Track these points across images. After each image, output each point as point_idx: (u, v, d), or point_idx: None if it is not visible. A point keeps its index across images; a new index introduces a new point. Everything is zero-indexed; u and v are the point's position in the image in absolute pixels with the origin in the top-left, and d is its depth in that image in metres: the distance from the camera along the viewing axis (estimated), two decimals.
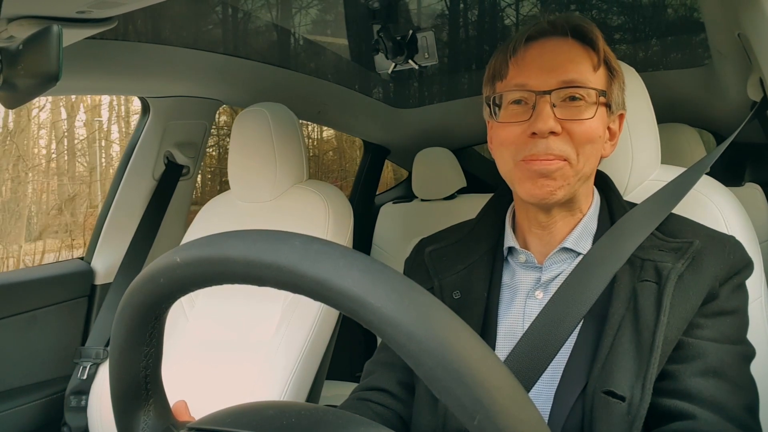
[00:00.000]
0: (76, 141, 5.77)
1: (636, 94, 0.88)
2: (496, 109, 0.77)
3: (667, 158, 0.92)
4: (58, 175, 5.69)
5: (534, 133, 0.72)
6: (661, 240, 0.73)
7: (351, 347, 2.32)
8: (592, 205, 0.80)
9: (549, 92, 0.72)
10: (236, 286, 0.39)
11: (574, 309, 0.67)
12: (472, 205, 0.92)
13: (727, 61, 1.48)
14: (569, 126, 0.72)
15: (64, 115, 5.68)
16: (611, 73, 0.76)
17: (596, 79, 0.74)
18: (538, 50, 0.75)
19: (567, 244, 0.77)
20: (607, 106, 0.75)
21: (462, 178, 2.33)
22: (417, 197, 2.41)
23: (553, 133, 0.71)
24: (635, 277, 0.70)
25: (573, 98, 0.72)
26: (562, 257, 0.77)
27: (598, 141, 0.74)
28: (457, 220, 0.93)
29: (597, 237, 0.77)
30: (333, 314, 1.34)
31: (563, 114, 0.72)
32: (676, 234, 0.73)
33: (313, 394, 1.32)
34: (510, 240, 0.81)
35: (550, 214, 0.77)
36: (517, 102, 0.75)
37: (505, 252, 0.82)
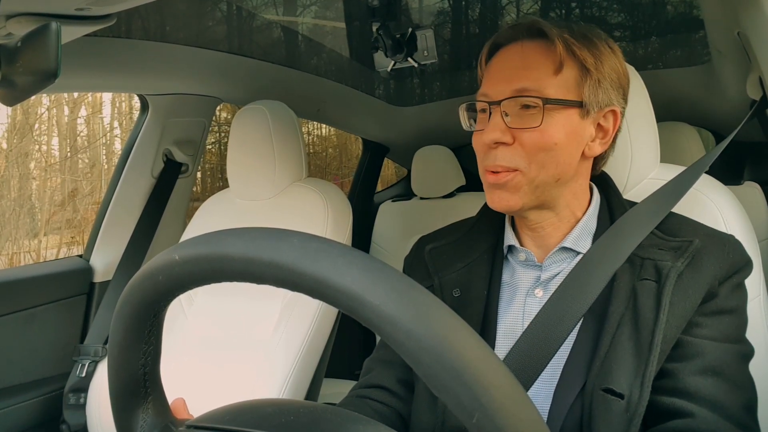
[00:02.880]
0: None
1: (635, 92, 0.88)
2: (474, 115, 0.79)
3: (666, 157, 0.92)
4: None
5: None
6: (660, 239, 0.73)
7: (350, 345, 2.32)
8: (591, 204, 0.80)
9: (499, 102, 0.72)
10: (235, 284, 0.39)
11: (574, 307, 0.67)
12: (472, 204, 0.92)
13: (726, 59, 1.48)
14: (519, 135, 0.72)
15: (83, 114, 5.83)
16: (583, 71, 0.73)
17: (557, 82, 0.72)
18: (501, 58, 0.77)
19: (566, 244, 0.77)
20: (580, 106, 0.73)
21: (461, 177, 2.33)
22: (416, 195, 2.40)
23: (503, 143, 0.72)
24: (635, 275, 0.70)
25: (527, 106, 0.72)
26: (561, 256, 0.77)
27: (556, 148, 0.72)
28: (457, 218, 0.93)
29: (597, 236, 0.77)
30: (332, 312, 1.34)
31: (517, 123, 0.72)
32: (676, 233, 0.73)
33: (312, 392, 1.32)
34: (510, 238, 0.81)
35: (529, 219, 0.78)
36: (483, 111, 0.77)
37: (505, 250, 0.82)
